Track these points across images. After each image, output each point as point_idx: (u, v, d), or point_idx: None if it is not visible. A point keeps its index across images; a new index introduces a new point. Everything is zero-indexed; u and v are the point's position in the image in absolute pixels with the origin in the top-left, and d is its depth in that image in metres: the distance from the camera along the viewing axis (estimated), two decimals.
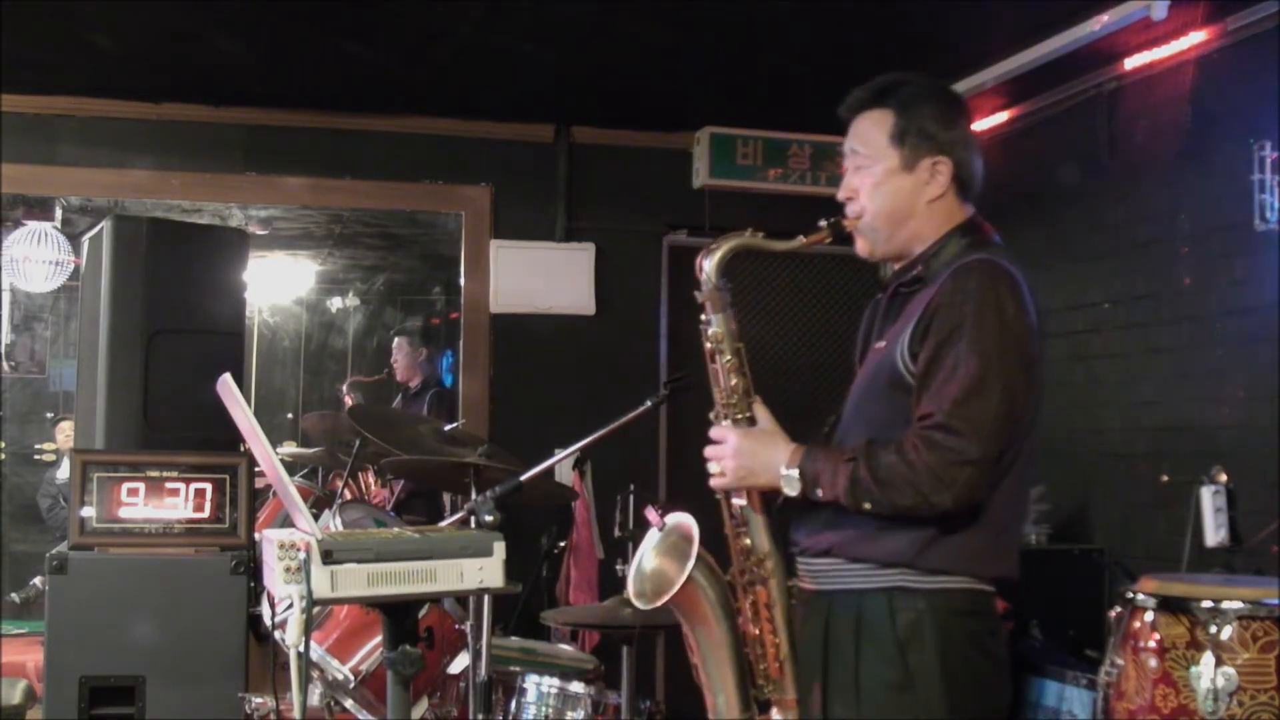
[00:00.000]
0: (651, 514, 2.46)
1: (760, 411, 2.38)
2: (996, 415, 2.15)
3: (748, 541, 2.37)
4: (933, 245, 2.37)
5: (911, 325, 2.25)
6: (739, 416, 2.37)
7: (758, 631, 2.35)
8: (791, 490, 2.27)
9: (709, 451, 2.38)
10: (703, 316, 2.42)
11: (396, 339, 7.65)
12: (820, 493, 2.24)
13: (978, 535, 2.23)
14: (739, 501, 2.37)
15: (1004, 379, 2.17)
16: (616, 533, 3.39)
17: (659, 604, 2.35)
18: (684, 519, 2.40)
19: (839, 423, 2.44)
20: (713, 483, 2.38)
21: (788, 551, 2.39)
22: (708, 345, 2.41)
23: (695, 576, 2.32)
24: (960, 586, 2.23)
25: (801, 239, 2.41)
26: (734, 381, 2.38)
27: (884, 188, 2.38)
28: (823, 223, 2.41)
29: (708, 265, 2.40)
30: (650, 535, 2.45)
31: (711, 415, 2.41)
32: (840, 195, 2.45)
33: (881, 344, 2.35)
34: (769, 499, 2.36)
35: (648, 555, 2.43)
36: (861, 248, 2.45)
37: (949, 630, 2.20)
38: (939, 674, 2.19)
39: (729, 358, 2.39)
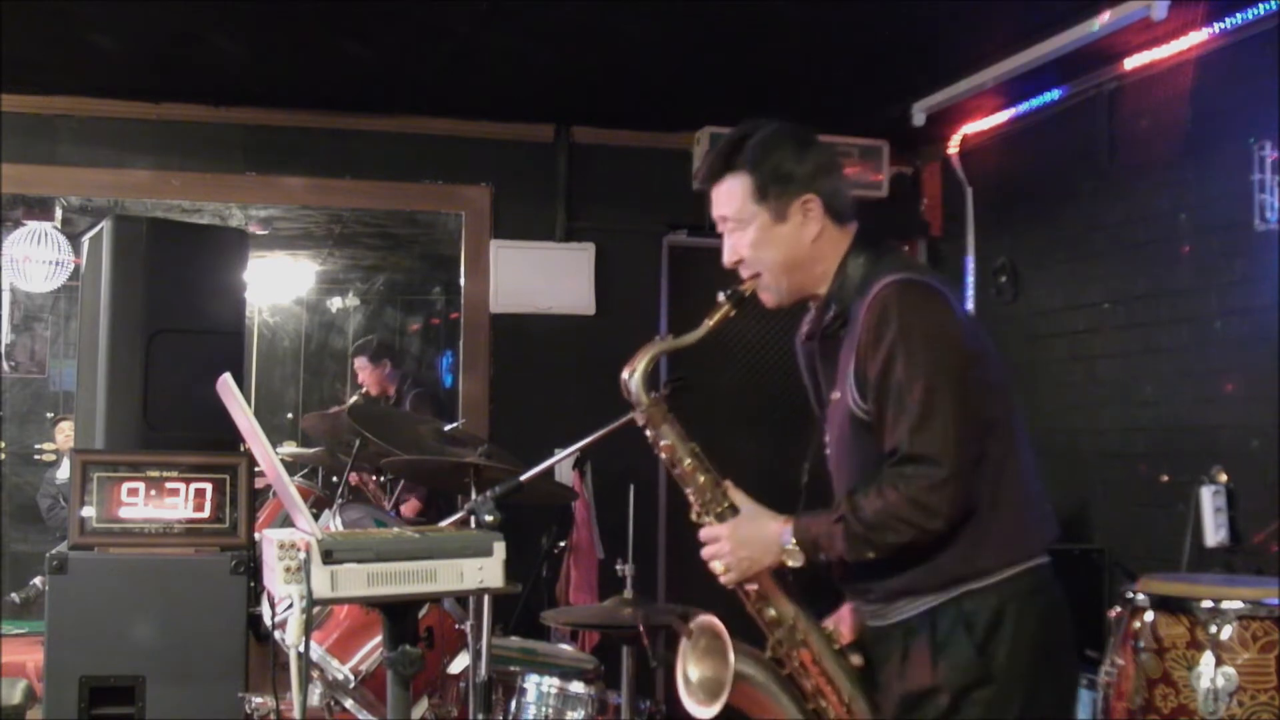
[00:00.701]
0: (677, 624, 2.49)
1: (737, 496, 2.43)
2: (953, 428, 2.19)
3: (772, 613, 2.40)
4: (834, 280, 2.40)
5: (851, 371, 2.29)
6: (719, 509, 2.42)
7: (815, 685, 2.38)
8: (796, 563, 2.32)
9: (706, 553, 2.42)
10: (648, 433, 2.47)
11: (355, 360, 7.48)
12: (823, 556, 2.30)
13: (1005, 522, 2.28)
14: (753, 586, 2.40)
15: (950, 389, 2.21)
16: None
17: (719, 708, 2.36)
18: (708, 620, 2.42)
19: (822, 459, 2.48)
20: (722, 581, 2.41)
21: (847, 596, 2.45)
22: (663, 457, 2.47)
23: (740, 670, 2.34)
24: (1019, 570, 2.29)
25: (707, 323, 2.46)
26: (701, 480, 2.44)
27: (765, 244, 2.41)
28: (721, 297, 2.45)
29: (633, 386, 2.47)
30: (683, 646, 2.47)
31: (694, 516, 2.46)
32: (727, 261, 2.48)
33: (836, 394, 2.38)
34: (779, 572, 2.39)
35: (690, 668, 2.44)
36: (768, 301, 2.47)
37: (1023, 615, 2.26)
38: (1014, 659, 2.24)
39: (688, 461, 2.45)
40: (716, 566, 2.40)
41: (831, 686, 2.38)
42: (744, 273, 2.45)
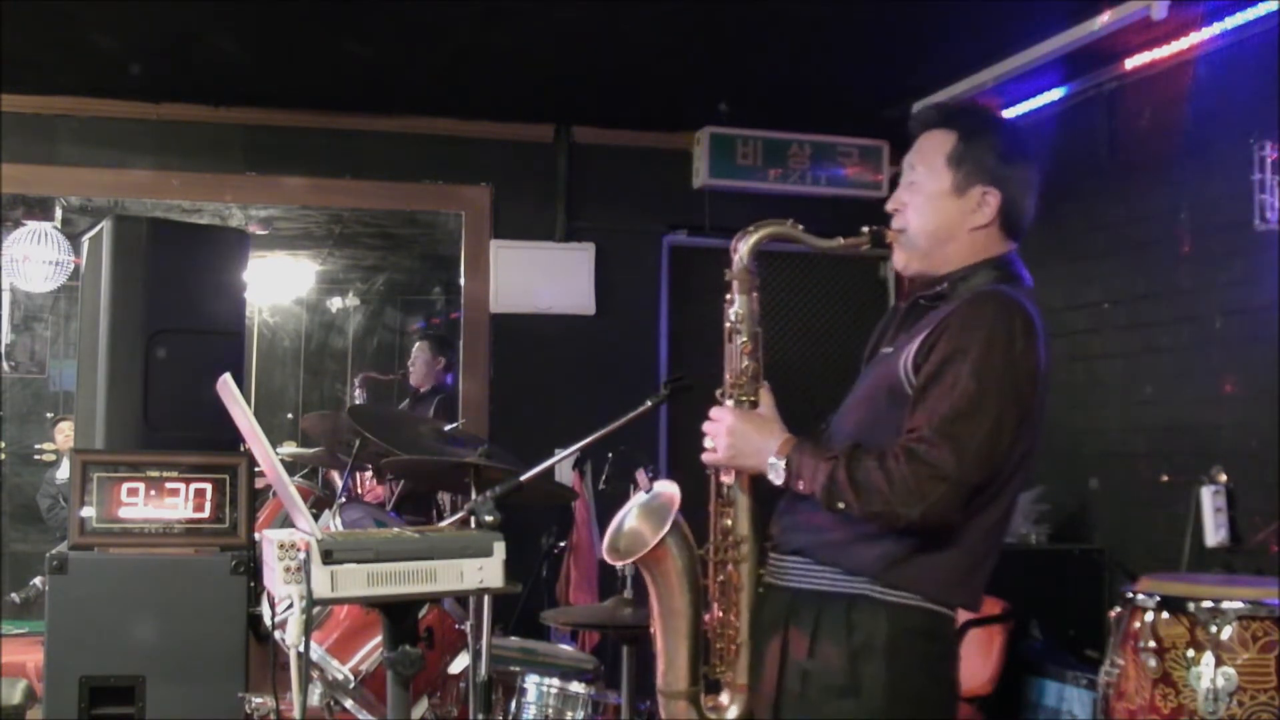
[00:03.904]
0: (641, 476, 2.49)
1: (764, 398, 2.41)
2: (982, 441, 2.17)
3: (729, 522, 2.40)
4: (962, 270, 2.38)
5: (920, 338, 2.27)
6: (743, 399, 2.41)
7: (721, 612, 2.39)
8: (776, 478, 2.31)
9: (706, 427, 2.41)
10: (727, 295, 2.45)
11: (419, 342, 7.50)
12: (801, 485, 2.27)
13: (948, 561, 2.25)
14: (727, 480, 2.40)
15: (998, 408, 2.19)
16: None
17: (629, 561, 2.39)
18: (670, 487, 2.43)
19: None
20: (704, 457, 2.41)
21: (764, 543, 2.42)
22: (727, 324, 2.44)
23: (668, 542, 2.35)
24: (920, 605, 2.25)
25: (840, 240, 2.44)
26: (745, 364, 2.42)
27: (930, 206, 2.40)
28: (865, 229, 2.44)
29: (743, 247, 2.42)
30: (636, 497, 2.49)
31: (718, 393, 2.44)
32: (889, 206, 2.48)
33: (889, 350, 2.37)
34: (758, 485, 2.39)
35: (630, 515, 2.46)
36: (898, 260, 2.47)
37: (901, 647, 2.23)
38: (884, 687, 2.21)
39: (745, 339, 2.42)
40: (707, 442, 2.40)
41: (735, 620, 2.38)
42: (896, 222, 2.44)
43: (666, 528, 2.34)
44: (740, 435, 2.35)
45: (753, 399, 2.41)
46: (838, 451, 2.24)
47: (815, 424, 2.51)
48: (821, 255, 6.03)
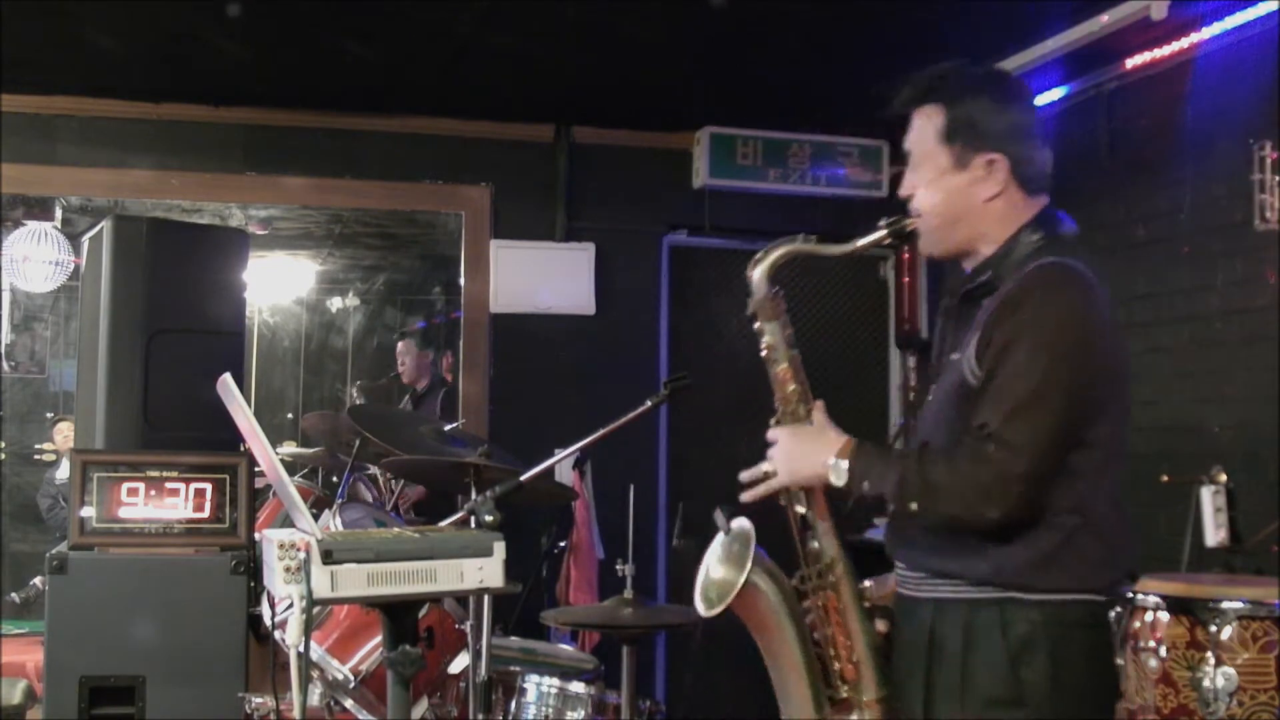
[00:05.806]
0: (719, 517, 2.46)
1: (817, 415, 2.35)
2: (1050, 430, 2.11)
3: (815, 546, 2.35)
4: (1001, 247, 2.28)
5: (978, 334, 2.19)
6: (795, 421, 2.36)
7: (830, 633, 2.33)
8: (838, 480, 2.23)
9: (768, 454, 2.35)
10: (755, 325, 2.40)
11: (400, 342, 7.59)
12: (867, 486, 2.21)
13: (1092, 548, 2.19)
14: (801, 509, 2.34)
15: (1060, 397, 2.11)
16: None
17: (721, 609, 2.35)
18: (745, 525, 2.39)
19: (909, 429, 2.44)
20: (768, 484, 2.33)
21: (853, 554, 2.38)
22: (763, 353, 2.39)
23: (754, 581, 2.31)
24: (1076, 599, 2.19)
25: (857, 242, 2.36)
26: (790, 389, 2.37)
27: (936, 187, 2.30)
28: (881, 223, 2.35)
29: (756, 275, 2.37)
30: (715, 542, 2.44)
31: (773, 420, 2.39)
32: (902, 192, 2.38)
33: (956, 355, 2.28)
34: (834, 504, 2.33)
35: (713, 563, 2.42)
36: (922, 247, 2.39)
37: (1063, 644, 2.16)
38: (1050, 690, 2.14)
39: (784, 365, 2.37)
40: (767, 467, 2.32)
41: (846, 640, 2.32)
42: (912, 208, 2.35)
43: (747, 567, 2.30)
44: (793, 446, 2.30)
45: (806, 420, 2.35)
46: (908, 452, 2.19)
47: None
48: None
